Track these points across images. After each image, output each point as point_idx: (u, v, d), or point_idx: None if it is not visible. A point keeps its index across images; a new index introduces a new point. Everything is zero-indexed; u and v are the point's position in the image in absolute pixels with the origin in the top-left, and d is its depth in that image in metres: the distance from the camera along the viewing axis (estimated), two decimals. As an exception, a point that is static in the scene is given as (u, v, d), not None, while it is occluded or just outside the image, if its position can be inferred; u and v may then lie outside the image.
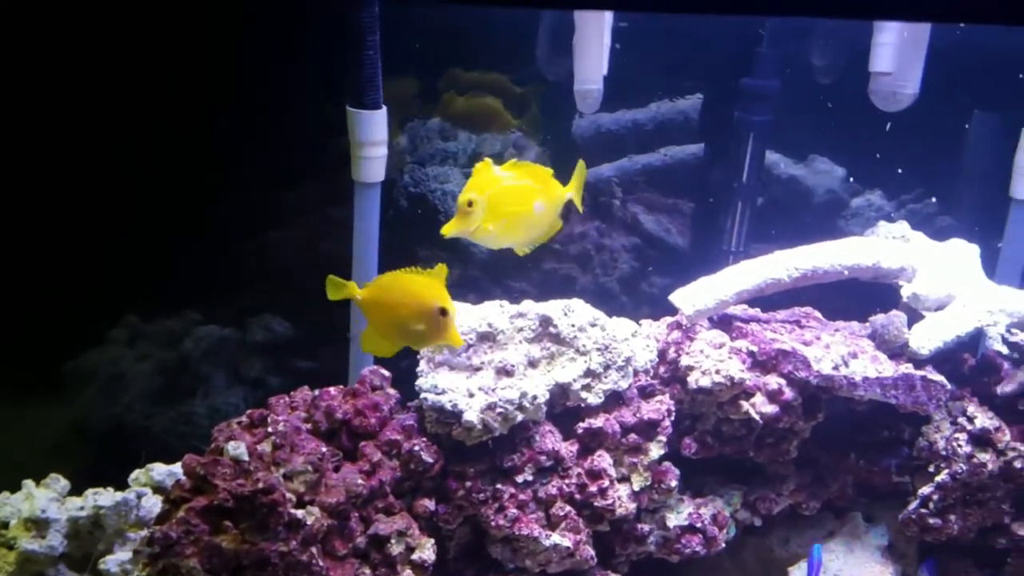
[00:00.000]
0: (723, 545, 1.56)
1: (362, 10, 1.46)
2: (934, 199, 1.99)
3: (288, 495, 1.27)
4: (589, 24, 1.49)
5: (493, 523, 1.43)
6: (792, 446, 1.53)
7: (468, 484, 1.41)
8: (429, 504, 1.42)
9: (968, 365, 1.57)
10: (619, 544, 1.54)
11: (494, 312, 1.44)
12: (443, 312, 1.26)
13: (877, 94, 1.60)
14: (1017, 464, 1.52)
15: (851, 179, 2.08)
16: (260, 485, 1.24)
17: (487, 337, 1.43)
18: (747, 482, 1.61)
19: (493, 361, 1.41)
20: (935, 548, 1.65)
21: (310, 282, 1.96)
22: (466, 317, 1.41)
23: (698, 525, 1.53)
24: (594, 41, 1.49)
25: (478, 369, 1.41)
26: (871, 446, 1.60)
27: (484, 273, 2.26)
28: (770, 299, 1.66)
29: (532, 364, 1.44)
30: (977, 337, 1.57)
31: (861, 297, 1.76)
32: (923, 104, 1.89)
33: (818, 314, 1.68)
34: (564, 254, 2.17)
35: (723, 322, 1.57)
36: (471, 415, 1.36)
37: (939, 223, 2.02)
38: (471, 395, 1.38)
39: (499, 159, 2.20)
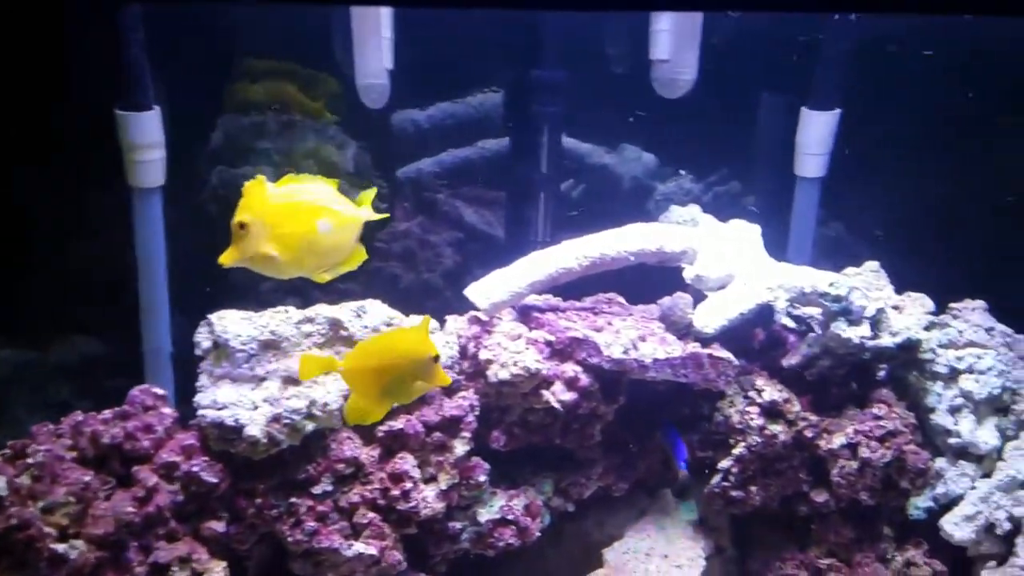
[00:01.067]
0: (538, 534, 1.55)
1: (122, 7, 1.37)
2: (737, 181, 2.06)
3: (48, 529, 1.17)
4: (365, 18, 1.45)
5: (291, 538, 1.37)
6: (596, 430, 1.54)
7: (259, 501, 1.34)
8: (218, 526, 1.35)
9: (759, 340, 1.62)
10: (432, 544, 1.51)
11: (277, 319, 1.37)
12: (436, 359, 1.20)
13: (658, 81, 1.62)
14: (808, 433, 1.57)
15: (661, 165, 2.12)
16: (13, 522, 1.14)
17: (271, 345, 1.36)
18: (559, 469, 1.62)
19: (278, 370, 1.34)
20: (745, 520, 1.71)
21: (113, 295, 1.84)
22: (245, 326, 1.34)
23: (510, 517, 1.52)
24: (372, 35, 1.44)
25: (263, 380, 1.35)
26: (674, 424, 1.64)
27: (306, 280, 2.20)
28: (585, 285, 1.68)
29: (323, 370, 1.39)
30: (768, 313, 1.63)
31: (675, 280, 1.80)
32: (720, 89, 1.95)
33: (621, 299, 1.70)
34: (388, 252, 2.12)
35: (523, 313, 1.56)
36: (254, 429, 1.29)
37: (743, 203, 2.09)
38: (255, 408, 1.31)
39: (315, 154, 2.15)
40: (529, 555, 1.67)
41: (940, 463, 1.62)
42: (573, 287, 1.69)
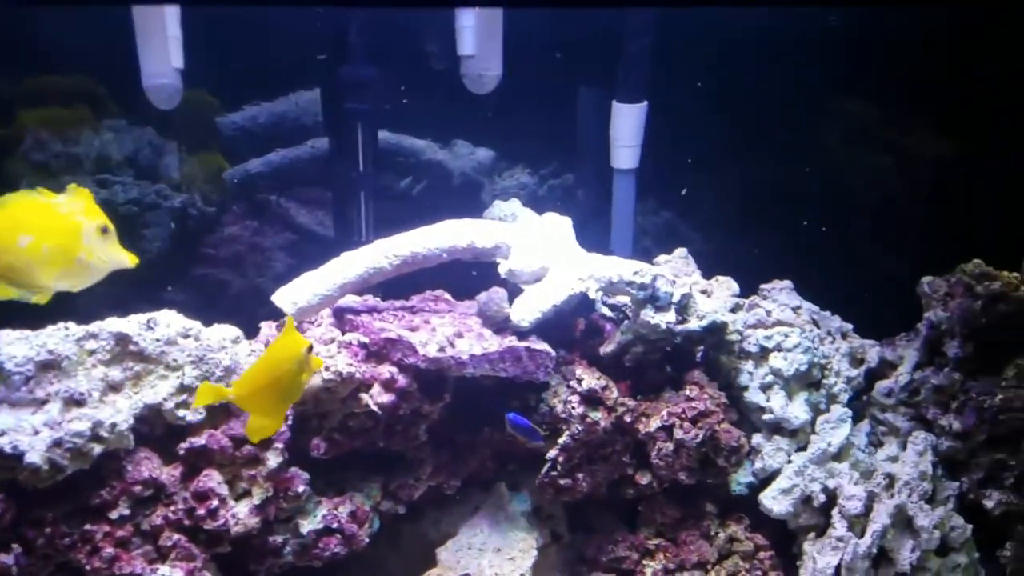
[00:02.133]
0: (366, 541, 1.52)
1: None
2: (571, 175, 2.08)
3: None
4: (148, 16, 1.36)
5: (88, 567, 1.27)
6: (421, 430, 1.51)
7: (48, 530, 1.25)
8: (6, 559, 1.25)
9: (579, 330, 1.63)
10: (254, 561, 1.45)
11: (55, 337, 1.27)
12: (309, 349, 1.30)
13: (467, 77, 1.61)
14: (627, 418, 1.59)
15: (497, 160, 2.12)
16: None
17: (50, 366, 1.26)
18: (388, 471, 1.58)
19: (60, 392, 1.25)
20: (579, 506, 1.72)
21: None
22: (20, 347, 1.24)
23: (335, 526, 1.47)
24: (155, 34, 1.36)
25: (44, 403, 1.25)
26: (504, 418, 1.64)
27: (131, 287, 2.08)
28: (419, 282, 1.65)
29: (114, 388, 1.29)
30: (588, 303, 1.64)
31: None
32: (552, 84, 1.96)
33: (448, 296, 1.68)
34: (215, 258, 2.03)
35: (338, 316, 1.51)
36: (34, 456, 1.19)
37: (577, 196, 2.11)
38: (36, 432, 1.22)
39: (134, 160, 2.03)
40: (368, 559, 1.63)
41: (757, 439, 1.68)
42: (406, 284, 1.66)
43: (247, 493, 1.41)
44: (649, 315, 1.52)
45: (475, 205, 2.05)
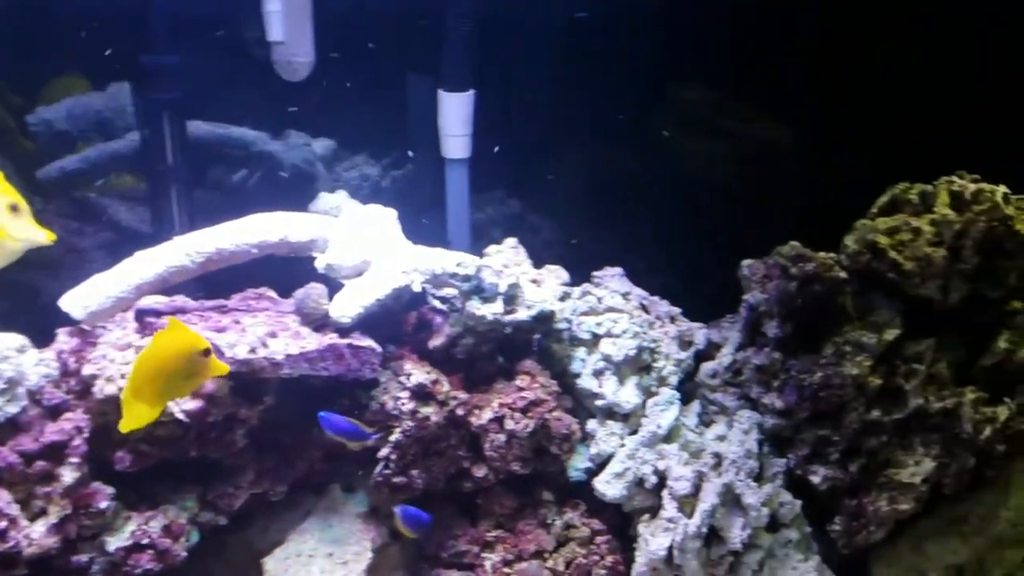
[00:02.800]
0: (183, 555, 1.43)
1: None
2: (412, 165, 2.03)
3: None
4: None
5: None
6: (238, 436, 1.43)
7: None
8: None
9: (410, 324, 1.59)
10: (56, 582, 1.36)
11: None
12: (206, 352, 1.20)
13: (278, 64, 1.54)
14: (459, 411, 1.56)
15: (338, 150, 2.05)
16: None
17: None
18: (206, 481, 1.50)
19: None
20: (418, 502, 1.68)
21: None
22: None
23: (144, 541, 1.38)
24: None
25: None
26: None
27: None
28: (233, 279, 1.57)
29: None
30: (419, 297, 1.60)
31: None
32: (389, 71, 1.91)
33: (272, 293, 1.60)
34: (25, 262, 1.88)
35: (139, 318, 1.42)
36: None
37: (420, 187, 2.07)
38: None
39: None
40: (193, 573, 1.56)
41: (592, 424, 1.68)
42: (230, 282, 1.58)
43: (43, 512, 1.31)
44: (476, 306, 1.49)
45: (310, 198, 1.99)
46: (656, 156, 2.10)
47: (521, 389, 1.55)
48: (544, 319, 1.57)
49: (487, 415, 1.53)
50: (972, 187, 1.60)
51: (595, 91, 2.00)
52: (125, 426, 1.19)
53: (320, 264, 1.44)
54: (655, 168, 2.09)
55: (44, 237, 1.16)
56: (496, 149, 1.94)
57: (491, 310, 1.49)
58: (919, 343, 1.66)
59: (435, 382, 1.52)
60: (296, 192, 1.89)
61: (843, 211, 1.85)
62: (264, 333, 1.37)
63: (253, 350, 1.35)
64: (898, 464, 1.68)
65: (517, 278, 1.53)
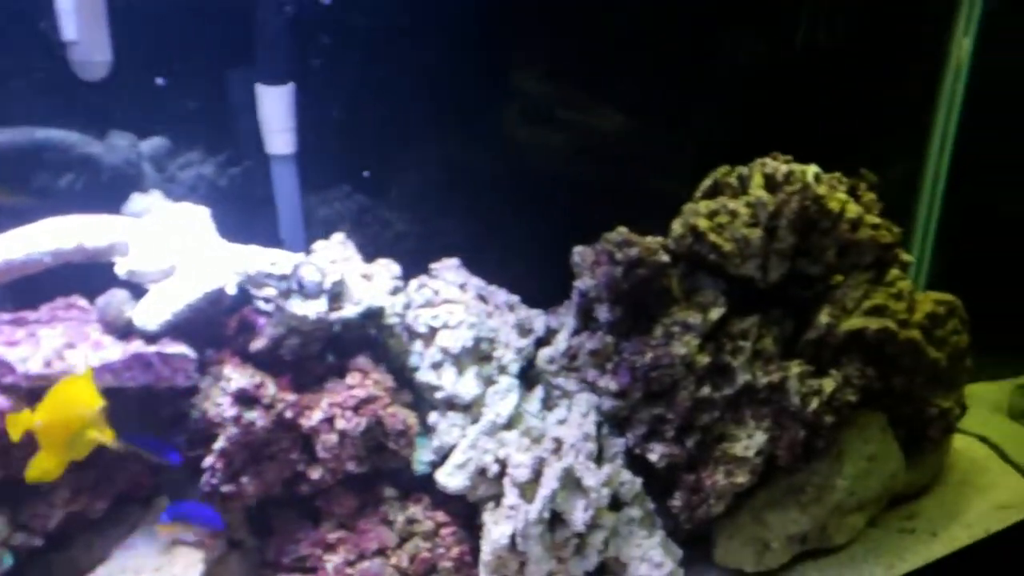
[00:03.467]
0: (-6, 581, 1.37)
1: None
2: (250, 161, 1.97)
3: None
4: None
5: None
6: (44, 454, 1.37)
7: None
8: None
9: (232, 327, 1.54)
10: None
11: None
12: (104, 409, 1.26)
13: (75, 64, 1.46)
14: (288, 414, 1.51)
15: (171, 149, 1.97)
16: None
17: None
18: (17, 502, 1.42)
19: None
20: (260, 508, 1.64)
21: None
22: None
23: (-56, 571, 1.31)
24: None
25: None
26: (155, 428, 1.51)
27: None
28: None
29: None
30: (241, 298, 1.55)
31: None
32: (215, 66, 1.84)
33: (83, 302, 1.52)
34: None
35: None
36: None
37: (255, 185, 2.01)
38: None
39: None
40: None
41: (434, 417, 1.67)
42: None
43: None
44: (296, 305, 1.45)
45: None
46: (502, 146, 2.10)
47: (352, 387, 1.52)
48: (373, 315, 1.54)
49: (317, 416, 1.49)
50: (784, 168, 1.66)
51: (441, 82, 1.99)
52: (30, 476, 1.27)
53: (121, 270, 1.37)
54: (502, 159, 2.09)
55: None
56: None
57: (314, 308, 1.45)
58: (744, 320, 1.72)
59: (259, 385, 1.47)
60: (120, 195, 1.79)
61: (680, 196, 1.90)
62: (61, 345, 1.30)
63: (48, 363, 1.28)
64: (732, 438, 1.73)
65: (342, 275, 1.49)
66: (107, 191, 1.80)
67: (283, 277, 1.42)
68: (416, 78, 1.95)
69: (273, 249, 1.46)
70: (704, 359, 1.66)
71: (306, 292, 1.45)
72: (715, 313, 1.66)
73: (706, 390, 1.67)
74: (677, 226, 1.68)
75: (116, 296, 1.34)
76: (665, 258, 1.61)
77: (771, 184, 1.68)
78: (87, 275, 1.56)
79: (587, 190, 2.08)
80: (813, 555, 1.81)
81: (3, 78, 1.60)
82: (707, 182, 1.76)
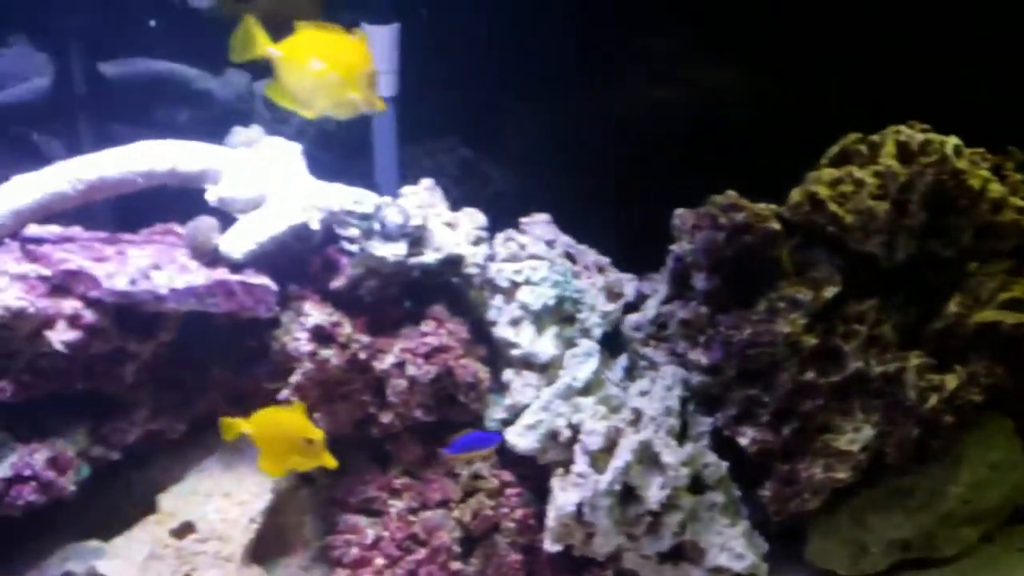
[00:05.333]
0: (71, 488, 1.37)
1: None
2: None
3: None
4: None
5: None
6: (127, 371, 1.36)
7: None
8: None
9: (317, 265, 1.49)
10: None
11: None
12: (310, 442, 1.31)
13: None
14: (362, 355, 1.46)
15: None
16: None
17: None
18: (99, 416, 1.44)
19: None
20: (333, 446, 1.61)
21: None
22: None
23: (27, 473, 1.33)
24: None
25: None
26: (239, 357, 1.49)
27: None
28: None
29: None
30: (326, 235, 1.51)
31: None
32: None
33: (179, 228, 1.52)
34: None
35: (23, 247, 1.34)
36: None
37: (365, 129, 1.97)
38: None
39: None
40: (97, 508, 1.51)
41: (509, 374, 1.58)
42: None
43: (-83, 442, 1.27)
44: (376, 247, 1.40)
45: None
46: (619, 108, 1.96)
47: (425, 335, 1.46)
48: (453, 263, 1.47)
49: (389, 360, 1.44)
50: (920, 137, 1.44)
51: (554, 41, 1.88)
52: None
53: (211, 197, 1.35)
54: (618, 121, 1.96)
55: (378, 106, 1.27)
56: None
57: (393, 251, 1.39)
58: (861, 303, 1.52)
59: (336, 324, 1.43)
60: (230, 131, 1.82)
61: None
62: (148, 265, 1.30)
63: (133, 282, 1.28)
64: (835, 429, 1.55)
65: (424, 219, 1.43)
66: (219, 125, 1.82)
67: (365, 216, 1.37)
68: (533, 33, 1.85)
69: (359, 188, 1.41)
70: (811, 340, 1.48)
71: (387, 233, 1.39)
72: (829, 291, 1.47)
73: (811, 375, 1.50)
74: (795, 193, 1.50)
75: (204, 222, 1.33)
76: (776, 226, 1.44)
77: (905, 154, 1.47)
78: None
79: (707, 155, 1.92)
80: (916, 564, 1.61)
81: (131, 15, 1.62)
82: (834, 149, 1.56)
